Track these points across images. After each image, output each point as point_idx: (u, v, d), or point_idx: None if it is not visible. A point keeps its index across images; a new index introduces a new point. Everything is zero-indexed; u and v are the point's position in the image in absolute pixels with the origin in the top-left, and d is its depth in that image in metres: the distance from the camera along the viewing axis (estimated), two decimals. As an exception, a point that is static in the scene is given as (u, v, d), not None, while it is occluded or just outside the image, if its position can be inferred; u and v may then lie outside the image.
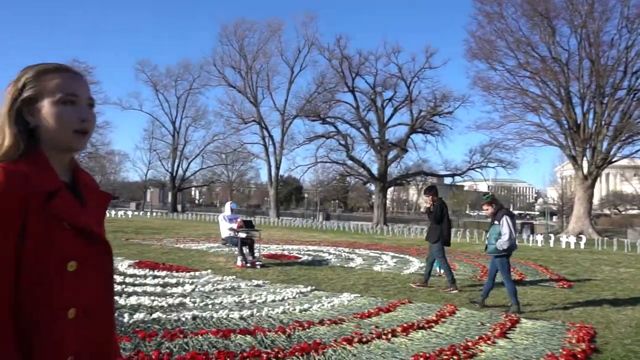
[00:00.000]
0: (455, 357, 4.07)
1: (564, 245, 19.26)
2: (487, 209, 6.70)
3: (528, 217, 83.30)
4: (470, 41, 32.04)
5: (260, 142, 43.72)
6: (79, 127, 1.12)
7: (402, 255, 12.95)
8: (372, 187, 43.87)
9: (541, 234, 22.30)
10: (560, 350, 4.37)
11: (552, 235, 20.88)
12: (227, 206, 10.48)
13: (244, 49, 42.73)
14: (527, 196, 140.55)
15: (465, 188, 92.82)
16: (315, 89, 39.43)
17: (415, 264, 10.90)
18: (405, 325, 5.08)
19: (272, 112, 43.89)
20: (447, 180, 45.25)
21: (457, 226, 34.97)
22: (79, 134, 1.12)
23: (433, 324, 5.22)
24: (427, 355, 4.07)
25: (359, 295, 6.85)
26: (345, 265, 10.28)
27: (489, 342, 4.59)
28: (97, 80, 79.30)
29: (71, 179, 1.17)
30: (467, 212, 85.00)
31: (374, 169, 37.75)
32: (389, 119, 38.87)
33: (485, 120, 32.44)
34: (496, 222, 6.38)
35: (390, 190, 57.57)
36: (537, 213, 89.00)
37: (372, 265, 10.57)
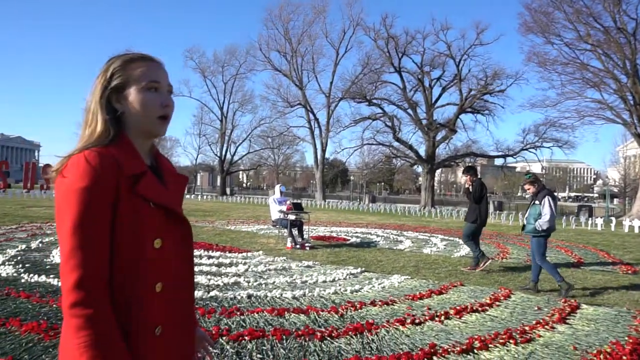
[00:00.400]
0: (511, 341, 3.99)
1: (626, 229, 18.17)
2: (529, 189, 6.56)
3: (586, 199, 79.13)
4: (525, 14, 30.26)
5: (306, 125, 43.91)
6: (162, 113, 1.20)
7: (451, 238, 12.72)
8: (419, 169, 43.08)
9: (601, 217, 21.13)
10: (626, 338, 4.17)
11: (613, 219, 19.70)
12: (277, 189, 10.67)
13: (289, 32, 42.77)
14: (585, 177, 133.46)
15: (518, 169, 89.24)
16: (360, 71, 38.95)
17: (466, 247, 10.66)
18: (458, 307, 5.02)
19: (317, 95, 43.91)
20: (498, 162, 43.61)
21: (509, 209, 33.82)
22: (161, 119, 1.20)
23: (487, 308, 5.13)
24: (483, 338, 4.01)
25: (410, 277, 6.82)
26: (394, 248, 10.24)
27: (547, 327, 4.46)
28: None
29: (153, 163, 1.26)
30: (519, 194, 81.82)
31: (422, 151, 36.99)
32: (437, 99, 37.77)
33: (540, 98, 30.85)
34: (537, 202, 6.28)
35: (437, 172, 56.40)
36: (596, 195, 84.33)
37: (422, 247, 10.47)
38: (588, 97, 28.67)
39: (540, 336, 4.19)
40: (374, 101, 37.44)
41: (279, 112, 45.44)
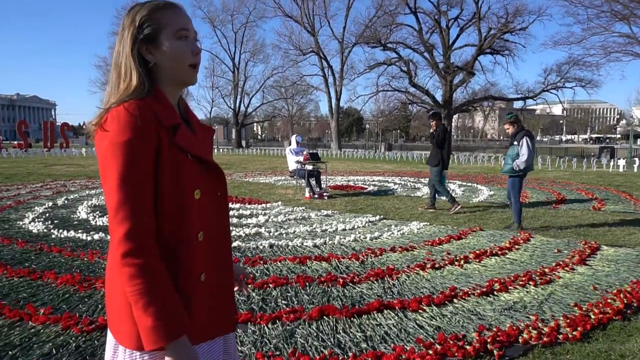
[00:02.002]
0: (531, 282, 4.04)
1: (650, 170, 17.80)
2: (508, 128, 6.59)
3: (608, 140, 77.18)
4: (550, -57, 28.24)
5: (319, 73, 43.08)
6: (193, 61, 1.18)
7: (469, 184, 12.66)
8: (436, 115, 42.27)
9: (623, 159, 20.64)
10: (647, 277, 4.18)
11: (636, 160, 19.23)
12: (293, 139, 10.64)
13: (299, -26, 40.98)
14: (608, 118, 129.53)
15: (537, 112, 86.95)
16: (374, 13, 37.46)
17: (485, 192, 10.64)
18: (477, 252, 5.08)
19: (330, 41, 42.97)
20: (518, 104, 42.41)
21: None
22: (192, 68, 1.18)
23: (507, 251, 5.17)
24: (503, 280, 4.07)
25: (428, 223, 6.87)
26: (412, 195, 10.26)
27: (567, 268, 4.49)
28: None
29: (183, 115, 1.25)
30: (538, 137, 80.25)
31: (438, 96, 36.12)
32: (455, 41, 36.31)
33: (564, 35, 29.55)
34: (515, 143, 6.33)
35: (454, 117, 55.30)
36: (619, 136, 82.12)
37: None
38: (616, 32, 27.28)
39: (559, 277, 4.23)
40: (389, 45, 36.20)
41: (291, 60, 44.55)
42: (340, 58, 41.27)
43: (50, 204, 8.44)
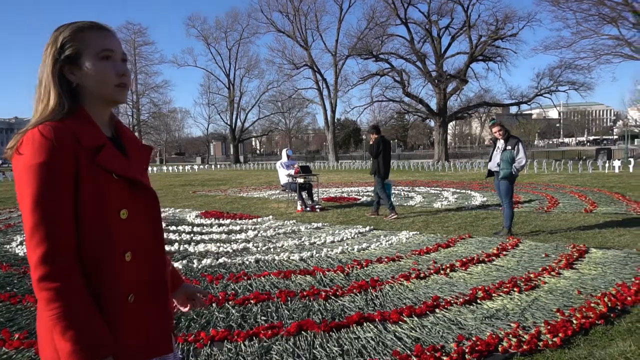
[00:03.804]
0: (515, 289, 4.00)
1: (645, 170, 17.79)
2: (498, 131, 6.64)
3: (605, 142, 77.32)
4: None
5: (314, 86, 43.36)
6: (118, 82, 1.17)
7: (463, 191, 12.64)
8: (432, 123, 42.43)
9: (619, 160, 20.64)
10: (633, 279, 4.14)
11: (632, 160, 19.24)
12: (284, 153, 10.64)
13: (290, -10, 41.46)
14: (604, 119, 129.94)
15: (534, 116, 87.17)
16: (366, 25, 37.91)
17: (478, 199, 10.61)
18: (464, 259, 5.03)
19: (323, 55, 43.47)
20: (513, 109, 42.61)
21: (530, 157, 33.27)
22: (119, 87, 1.18)
23: (494, 258, 5.13)
24: (487, 287, 4.03)
25: (418, 232, 6.83)
26: (405, 204, 10.22)
27: (553, 273, 4.45)
28: (152, 40, 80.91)
29: (114, 134, 1.24)
30: (535, 142, 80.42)
31: (433, 104, 36.26)
32: (446, 49, 36.59)
33: (555, 40, 29.81)
34: (508, 148, 6.44)
35: (451, 125, 55.46)
36: (616, 137, 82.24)
37: (432, 202, 10.43)
38: (605, 34, 27.48)
39: (545, 283, 4.19)
40: (381, 56, 36.48)
41: (285, 74, 44.95)
42: (333, 70, 41.57)
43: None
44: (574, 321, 3.24)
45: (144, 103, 51.26)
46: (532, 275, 4.37)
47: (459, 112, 37.87)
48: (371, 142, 8.81)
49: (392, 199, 8.60)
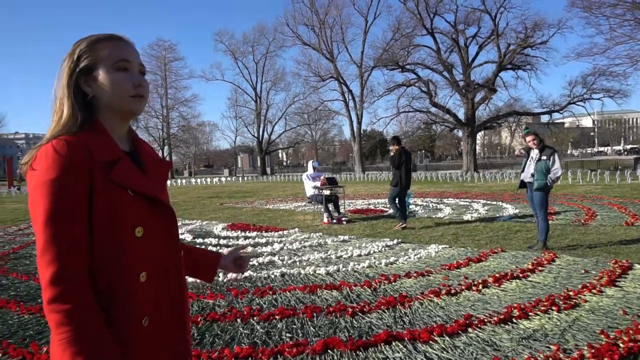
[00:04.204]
0: (554, 308, 3.78)
1: (689, 180, 16.91)
2: (531, 140, 6.43)
3: (644, 151, 74.26)
4: (565, -45, 28.00)
5: (340, 98, 43.52)
6: (134, 93, 1.14)
7: (494, 202, 12.28)
8: (460, 134, 41.76)
9: (660, 169, 19.73)
10: (684, 299, 3.86)
11: (673, 170, 18.36)
12: (310, 165, 10.61)
13: (315, 4, 42.08)
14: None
15: (566, 125, 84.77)
16: (391, 36, 37.84)
17: (510, 210, 10.27)
18: (497, 275, 4.82)
19: (349, 66, 43.57)
20: (544, 118, 41.48)
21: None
22: (135, 98, 1.14)
23: (529, 273, 4.89)
24: (523, 306, 3.82)
25: (447, 246, 6.63)
26: (433, 216, 9.99)
27: (594, 290, 4.19)
28: (182, 56, 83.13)
29: (131, 149, 1.21)
30: (569, 151, 78.05)
31: (460, 114, 35.73)
32: (474, 58, 36.14)
33: (587, 46, 28.97)
34: (543, 158, 6.21)
35: (479, 135, 54.44)
36: (656, 146, 78.80)
37: (462, 214, 10.15)
38: (641, 40, 26.50)
39: (586, 301, 3.95)
40: (408, 67, 36.33)
41: (311, 87, 45.29)
42: (359, 82, 41.61)
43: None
44: (621, 345, 3.01)
45: (173, 117, 52.57)
46: (571, 293, 4.13)
47: (487, 121, 37.17)
48: (392, 154, 8.82)
49: (409, 209, 8.48)
